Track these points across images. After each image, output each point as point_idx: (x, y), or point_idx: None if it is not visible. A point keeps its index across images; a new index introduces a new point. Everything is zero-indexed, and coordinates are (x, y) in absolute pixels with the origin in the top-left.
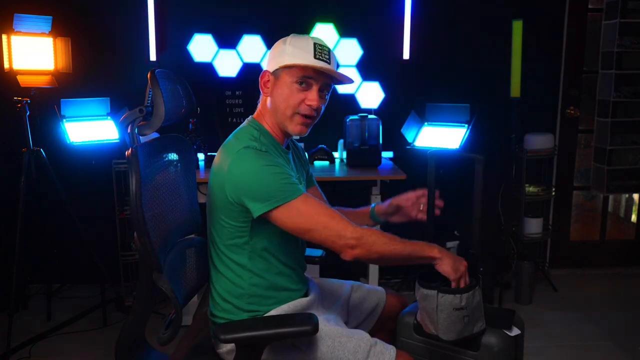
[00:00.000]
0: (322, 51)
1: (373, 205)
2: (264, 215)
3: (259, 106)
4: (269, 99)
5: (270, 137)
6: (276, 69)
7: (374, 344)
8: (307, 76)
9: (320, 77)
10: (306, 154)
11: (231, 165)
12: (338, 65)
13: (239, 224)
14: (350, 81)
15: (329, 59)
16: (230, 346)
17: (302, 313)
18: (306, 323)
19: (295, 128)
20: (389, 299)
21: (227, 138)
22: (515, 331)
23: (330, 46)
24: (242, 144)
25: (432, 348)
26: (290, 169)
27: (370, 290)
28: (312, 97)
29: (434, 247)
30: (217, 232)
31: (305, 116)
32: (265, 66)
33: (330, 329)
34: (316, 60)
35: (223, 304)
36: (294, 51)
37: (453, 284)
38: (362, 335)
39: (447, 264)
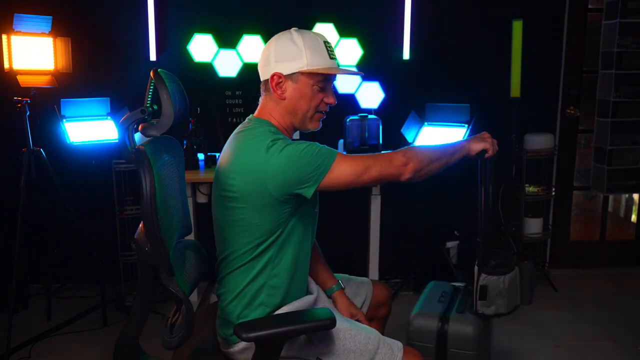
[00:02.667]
0: (331, 48)
1: (336, 287)
2: (318, 189)
3: (262, 106)
4: (281, 100)
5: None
6: (293, 73)
7: (382, 338)
8: (328, 79)
9: (334, 75)
10: None
11: (268, 161)
12: None
13: (272, 225)
14: (360, 74)
15: (335, 54)
16: (243, 345)
17: (318, 308)
18: (324, 317)
19: (315, 125)
20: (375, 288)
21: (241, 140)
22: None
23: None
24: (268, 139)
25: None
26: None
27: (359, 283)
28: (331, 96)
29: (464, 147)
30: (235, 236)
31: (322, 112)
32: (270, 66)
33: (341, 323)
34: (332, 61)
35: (235, 303)
36: (312, 55)
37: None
38: (371, 329)
39: (478, 145)
